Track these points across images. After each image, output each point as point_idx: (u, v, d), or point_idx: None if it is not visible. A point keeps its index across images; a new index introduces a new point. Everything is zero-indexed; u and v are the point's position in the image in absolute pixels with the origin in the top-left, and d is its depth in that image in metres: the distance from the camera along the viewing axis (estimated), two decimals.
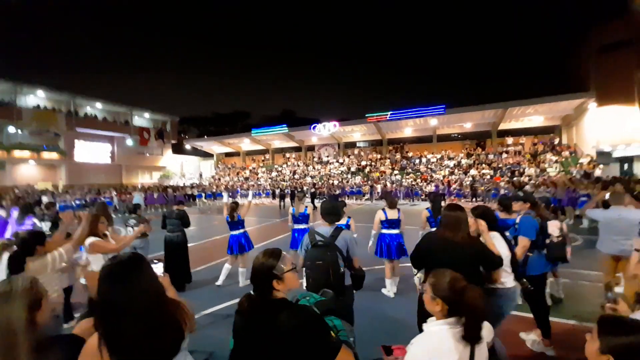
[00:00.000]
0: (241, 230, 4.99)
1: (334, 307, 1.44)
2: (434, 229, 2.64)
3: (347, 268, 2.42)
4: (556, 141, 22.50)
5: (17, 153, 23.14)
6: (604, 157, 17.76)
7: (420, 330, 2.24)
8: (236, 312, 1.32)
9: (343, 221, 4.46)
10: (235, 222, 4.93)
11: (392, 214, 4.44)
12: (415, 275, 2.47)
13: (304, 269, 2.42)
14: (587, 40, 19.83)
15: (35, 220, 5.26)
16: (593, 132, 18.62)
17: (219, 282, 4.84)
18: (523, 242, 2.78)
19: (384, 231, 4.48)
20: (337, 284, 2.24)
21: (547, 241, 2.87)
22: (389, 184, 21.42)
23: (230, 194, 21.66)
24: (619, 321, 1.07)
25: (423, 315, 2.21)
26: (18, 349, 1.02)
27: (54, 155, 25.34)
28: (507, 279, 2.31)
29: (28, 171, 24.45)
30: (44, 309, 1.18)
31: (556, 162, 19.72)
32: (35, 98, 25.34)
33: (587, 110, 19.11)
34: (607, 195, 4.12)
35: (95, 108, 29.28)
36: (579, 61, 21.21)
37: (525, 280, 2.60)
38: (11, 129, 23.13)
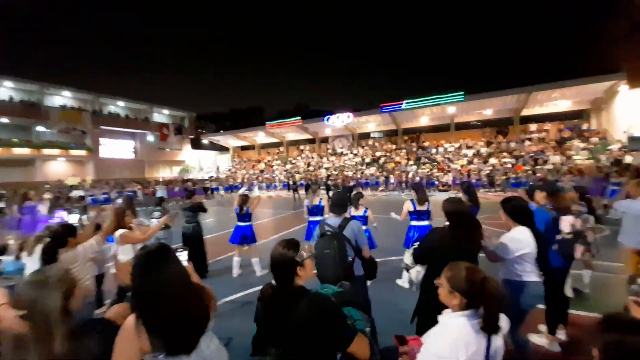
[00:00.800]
0: (248, 223, 5.07)
1: (351, 299, 1.49)
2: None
3: (357, 257, 2.46)
4: (584, 126, 21.26)
5: (47, 151, 24.48)
6: (635, 142, 16.64)
7: (420, 321, 2.26)
8: (258, 299, 1.38)
9: (360, 212, 4.47)
10: (243, 215, 5.03)
11: (422, 207, 4.37)
12: (413, 268, 2.44)
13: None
14: (618, 17, 18.37)
15: (64, 213, 5.59)
16: (624, 117, 17.42)
17: (234, 275, 5.02)
18: None
19: (413, 223, 4.41)
20: (344, 273, 2.25)
21: (558, 237, 2.69)
22: (416, 177, 20.69)
23: (258, 186, 21.56)
24: (616, 318, 1.05)
25: (423, 307, 2.23)
26: (53, 337, 1.08)
27: (81, 152, 26.67)
28: (527, 273, 2.21)
29: (58, 167, 25.89)
30: (77, 297, 1.25)
31: (584, 149, 18.69)
32: (62, 98, 26.58)
33: (619, 92, 17.88)
34: None
35: (118, 106, 30.40)
36: (609, 40, 19.73)
37: None
38: (40, 128, 24.48)
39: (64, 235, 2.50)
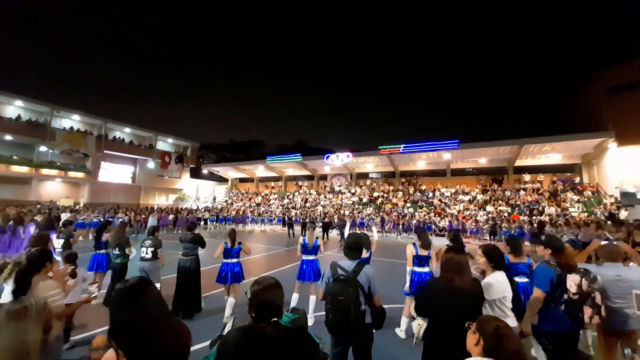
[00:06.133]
0: (235, 260, 4.78)
1: (304, 324, 1.56)
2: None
3: (367, 305, 2.36)
4: (577, 180, 21.79)
5: (45, 171, 24.44)
6: (628, 198, 16.96)
7: None
8: (231, 344, 1.31)
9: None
10: (233, 250, 4.78)
11: (423, 252, 4.28)
12: (415, 321, 2.35)
13: (324, 302, 2.39)
14: (606, 79, 19.86)
15: (53, 238, 5.40)
16: (615, 172, 18.01)
17: (226, 318, 4.51)
18: (536, 293, 2.56)
19: (415, 269, 4.28)
20: (357, 322, 2.20)
21: (566, 296, 2.49)
22: (413, 220, 20.64)
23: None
24: None
25: None
26: None
27: (79, 174, 26.64)
28: (506, 317, 2.26)
29: (53, 188, 25.65)
30: (54, 330, 1.21)
31: (578, 201, 18.95)
32: (70, 121, 27.26)
33: (608, 149, 18.66)
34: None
35: (124, 132, 31.11)
36: (598, 100, 21.12)
37: (543, 337, 2.42)
38: (42, 148, 24.72)
39: (40, 261, 2.37)
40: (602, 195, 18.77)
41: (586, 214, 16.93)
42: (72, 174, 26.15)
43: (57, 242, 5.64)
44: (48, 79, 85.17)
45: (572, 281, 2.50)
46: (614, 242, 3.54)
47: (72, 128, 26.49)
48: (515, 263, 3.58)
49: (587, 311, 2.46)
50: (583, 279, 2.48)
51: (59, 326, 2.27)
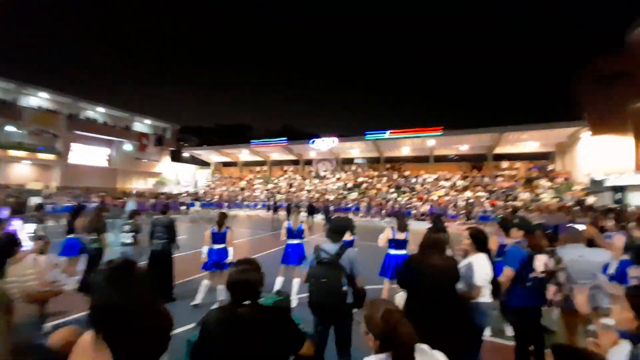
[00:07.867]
0: (222, 245, 4.63)
1: (288, 306, 1.59)
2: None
3: (349, 286, 2.43)
4: (550, 167, 22.84)
5: (13, 152, 22.90)
6: (597, 185, 18.00)
7: None
8: (213, 324, 1.31)
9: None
10: (221, 235, 4.63)
11: (400, 235, 4.41)
12: (398, 294, 2.49)
13: (307, 284, 2.49)
14: (582, 71, 20.57)
15: (18, 223, 5.14)
16: (586, 161, 18.97)
17: (196, 301, 4.41)
18: (506, 271, 2.75)
19: (391, 251, 4.41)
20: (339, 303, 2.31)
21: (531, 275, 2.70)
22: (395, 205, 20.86)
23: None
24: (567, 349, 1.10)
25: None
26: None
27: (49, 156, 25.14)
28: (486, 294, 2.52)
29: (22, 170, 24.17)
30: (17, 312, 1.20)
31: (550, 188, 19.94)
32: (38, 99, 25.40)
33: (581, 138, 19.55)
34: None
35: (97, 112, 29.38)
36: (574, 90, 21.90)
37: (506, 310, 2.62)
38: (10, 128, 23.03)
39: (10, 245, 2.37)
40: (573, 182, 19.82)
41: (556, 200, 17.89)
42: (41, 155, 24.63)
43: (28, 227, 5.38)
44: (13, 55, 78.53)
45: (540, 261, 2.72)
46: (581, 226, 3.84)
47: (40, 107, 24.75)
48: (507, 244, 3.84)
49: (552, 288, 2.71)
50: (550, 259, 2.71)
51: (35, 310, 2.23)
